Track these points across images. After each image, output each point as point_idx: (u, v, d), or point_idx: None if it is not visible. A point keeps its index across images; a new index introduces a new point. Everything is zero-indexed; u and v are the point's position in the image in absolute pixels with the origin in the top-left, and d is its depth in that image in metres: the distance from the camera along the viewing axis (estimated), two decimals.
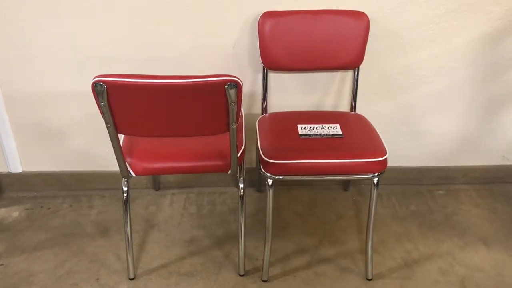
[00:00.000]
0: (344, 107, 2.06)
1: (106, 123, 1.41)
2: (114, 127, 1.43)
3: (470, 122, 2.12)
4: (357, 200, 2.18)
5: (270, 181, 1.62)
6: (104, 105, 1.35)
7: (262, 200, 2.19)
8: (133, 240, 1.94)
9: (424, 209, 2.13)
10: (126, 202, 1.69)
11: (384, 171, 1.62)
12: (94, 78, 1.30)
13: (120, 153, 1.52)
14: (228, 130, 1.46)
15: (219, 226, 2.02)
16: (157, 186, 2.24)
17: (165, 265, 1.83)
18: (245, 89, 1.99)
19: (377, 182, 1.64)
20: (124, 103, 1.35)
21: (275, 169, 1.59)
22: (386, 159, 1.60)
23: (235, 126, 1.44)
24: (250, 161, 2.19)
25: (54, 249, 1.91)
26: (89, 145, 2.13)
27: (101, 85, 1.30)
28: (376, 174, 1.61)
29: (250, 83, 1.98)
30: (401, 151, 2.19)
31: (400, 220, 2.06)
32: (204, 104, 1.36)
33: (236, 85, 1.32)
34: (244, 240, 1.74)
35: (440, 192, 2.24)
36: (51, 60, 1.92)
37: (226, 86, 1.31)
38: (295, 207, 2.14)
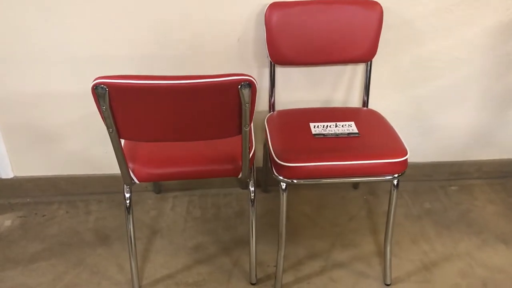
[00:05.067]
0: (354, 102, 1.96)
1: (108, 128, 1.29)
2: (117, 133, 1.31)
3: (484, 114, 2.03)
4: (368, 199, 2.09)
5: (283, 185, 1.51)
6: (105, 109, 1.23)
7: (269, 201, 2.08)
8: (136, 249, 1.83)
9: (438, 206, 2.04)
10: (128, 209, 1.58)
11: (404, 171, 1.53)
12: (94, 80, 1.18)
13: (123, 159, 1.40)
14: (240, 133, 1.35)
15: (225, 231, 1.92)
16: (157, 189, 2.12)
17: (171, 275, 1.73)
18: None
19: (397, 183, 1.54)
20: (128, 106, 1.23)
21: (289, 173, 1.48)
22: (406, 159, 1.50)
23: (248, 129, 1.33)
24: (256, 160, 2.08)
25: (51, 260, 1.79)
26: (84, 148, 2.00)
27: (102, 87, 1.18)
28: (396, 175, 1.51)
29: (256, 78, 1.87)
30: (413, 146, 2.10)
31: (414, 219, 1.98)
32: (215, 106, 1.25)
33: (250, 85, 1.20)
34: (255, 246, 1.64)
35: (453, 188, 2.16)
36: (42, 60, 1.78)
37: (239, 86, 1.20)
38: (304, 208, 2.04)
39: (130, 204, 1.57)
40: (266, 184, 2.13)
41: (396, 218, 1.97)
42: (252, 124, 1.68)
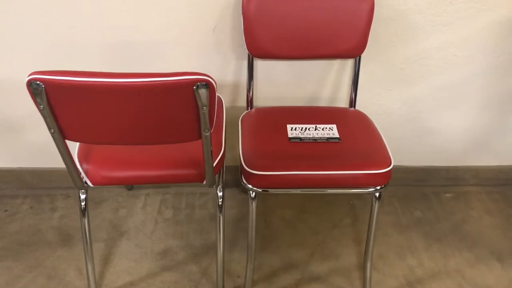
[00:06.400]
0: (342, 100, 1.80)
1: (49, 129, 1.15)
2: (60, 134, 1.17)
3: (484, 117, 1.86)
4: (355, 204, 1.94)
5: (252, 193, 1.37)
6: (43, 108, 1.09)
7: (246, 203, 1.94)
8: (98, 251, 1.70)
9: (430, 215, 1.89)
10: (84, 212, 1.44)
11: (388, 183, 1.37)
12: (29, 76, 1.03)
13: (70, 162, 1.27)
14: (200, 137, 1.20)
15: (197, 235, 1.78)
16: (129, 185, 1.98)
17: (133, 282, 1.60)
18: (228, 79, 1.72)
19: (379, 196, 1.39)
20: (69, 105, 1.09)
21: (258, 181, 1.33)
22: (390, 170, 1.35)
23: (208, 133, 1.18)
24: (234, 158, 1.94)
25: (7, 261, 1.67)
26: (50, 139, 1.85)
27: (37, 83, 1.04)
28: (378, 187, 1.36)
29: (234, 72, 1.71)
30: (406, 149, 1.94)
31: (402, 229, 1.82)
32: (169, 108, 1.10)
33: (208, 86, 1.05)
34: (223, 255, 1.50)
35: (448, 195, 2.00)
36: (3, 44, 1.64)
37: (194, 87, 1.05)
38: (284, 213, 1.89)
39: (85, 206, 1.44)
40: None
41: (383, 228, 1.82)
42: (224, 123, 1.54)
